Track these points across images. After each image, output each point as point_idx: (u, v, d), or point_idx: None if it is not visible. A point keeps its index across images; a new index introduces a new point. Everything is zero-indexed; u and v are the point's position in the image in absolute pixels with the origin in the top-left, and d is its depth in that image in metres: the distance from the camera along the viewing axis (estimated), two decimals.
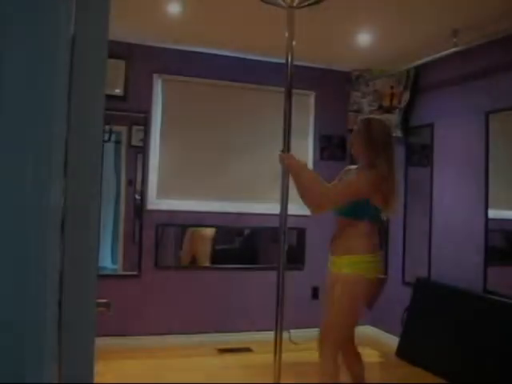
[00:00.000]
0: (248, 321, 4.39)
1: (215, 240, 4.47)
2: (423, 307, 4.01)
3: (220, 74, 4.40)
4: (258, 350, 4.10)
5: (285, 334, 2.68)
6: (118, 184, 4.27)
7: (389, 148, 2.63)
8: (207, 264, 4.41)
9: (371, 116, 3.13)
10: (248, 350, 4.18)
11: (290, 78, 2.60)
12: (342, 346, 2.69)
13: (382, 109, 4.46)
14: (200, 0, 3.24)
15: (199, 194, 4.40)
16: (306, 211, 2.71)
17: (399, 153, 4.54)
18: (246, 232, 4.60)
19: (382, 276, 3.12)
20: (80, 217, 0.83)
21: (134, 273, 4.18)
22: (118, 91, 4.13)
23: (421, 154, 4.36)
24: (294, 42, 2.60)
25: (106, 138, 4.02)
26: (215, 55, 4.36)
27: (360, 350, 2.83)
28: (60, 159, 0.77)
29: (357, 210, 2.61)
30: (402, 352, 4.02)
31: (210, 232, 4.47)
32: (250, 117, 4.57)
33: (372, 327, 4.70)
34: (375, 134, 2.62)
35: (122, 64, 4.11)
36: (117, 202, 4.27)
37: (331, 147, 4.73)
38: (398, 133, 4.42)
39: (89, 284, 0.84)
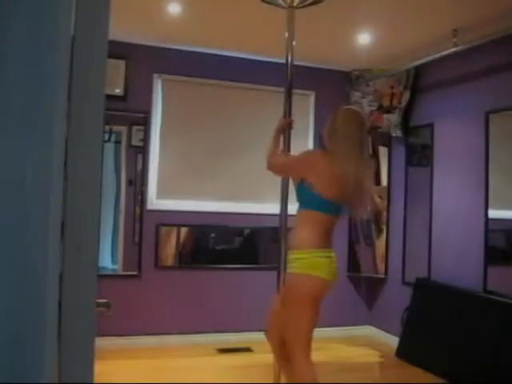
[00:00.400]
0: (248, 321, 4.39)
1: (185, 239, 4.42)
2: (423, 307, 4.01)
3: (220, 74, 4.40)
4: (257, 350, 4.10)
5: None
6: (118, 184, 4.27)
7: (353, 139, 2.40)
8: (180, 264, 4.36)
9: (347, 106, 2.98)
10: (248, 350, 4.17)
11: (290, 78, 2.61)
12: (286, 351, 2.44)
13: (382, 109, 4.46)
14: (200, 0, 3.24)
15: (199, 194, 4.40)
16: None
17: (399, 153, 4.56)
18: (246, 232, 4.59)
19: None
20: (80, 217, 0.83)
21: (134, 273, 4.18)
22: (117, 91, 4.13)
23: (421, 154, 4.36)
24: (294, 42, 2.61)
25: (106, 137, 4.02)
26: (215, 55, 4.36)
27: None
28: (60, 159, 0.77)
29: (305, 199, 2.42)
30: (402, 352, 4.02)
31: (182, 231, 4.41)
32: (249, 117, 4.57)
33: (372, 327, 4.70)
34: (339, 121, 2.45)
35: (122, 64, 4.11)
36: (117, 202, 4.27)
37: None
38: (397, 133, 4.42)
39: (89, 284, 0.84)
